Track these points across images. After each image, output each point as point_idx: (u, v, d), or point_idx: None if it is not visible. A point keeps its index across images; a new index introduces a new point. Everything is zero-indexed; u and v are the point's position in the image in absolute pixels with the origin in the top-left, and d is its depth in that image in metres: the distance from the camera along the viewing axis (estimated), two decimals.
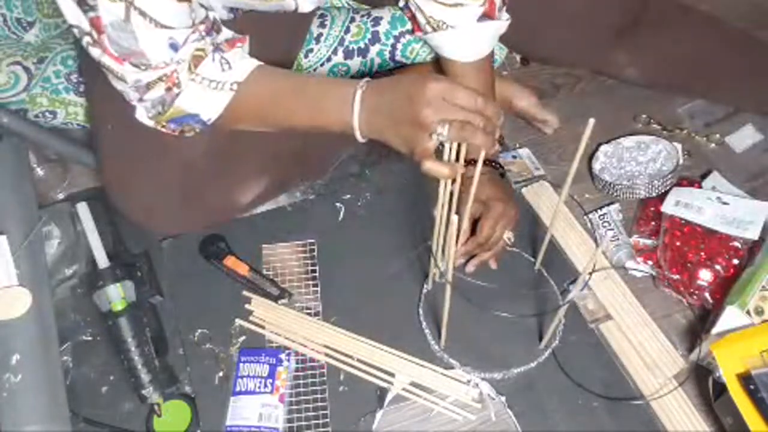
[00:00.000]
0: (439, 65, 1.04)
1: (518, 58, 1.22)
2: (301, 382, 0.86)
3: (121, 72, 0.73)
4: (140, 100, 0.76)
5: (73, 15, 0.69)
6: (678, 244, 0.94)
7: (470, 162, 0.83)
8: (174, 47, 0.71)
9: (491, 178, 0.92)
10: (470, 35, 0.89)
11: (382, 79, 0.74)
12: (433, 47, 0.95)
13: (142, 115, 0.79)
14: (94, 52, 0.72)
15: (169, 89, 0.75)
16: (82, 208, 0.92)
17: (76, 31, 0.71)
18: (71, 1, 0.67)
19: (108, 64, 0.72)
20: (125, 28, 0.68)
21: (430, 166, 0.67)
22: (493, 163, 0.94)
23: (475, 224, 0.91)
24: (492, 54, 0.94)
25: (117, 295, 0.85)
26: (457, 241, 0.85)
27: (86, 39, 0.71)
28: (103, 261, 0.88)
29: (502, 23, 0.90)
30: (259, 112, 0.80)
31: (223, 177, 0.93)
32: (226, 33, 0.80)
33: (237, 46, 0.79)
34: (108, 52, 0.71)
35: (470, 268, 0.93)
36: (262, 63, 0.79)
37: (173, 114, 0.78)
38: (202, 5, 0.76)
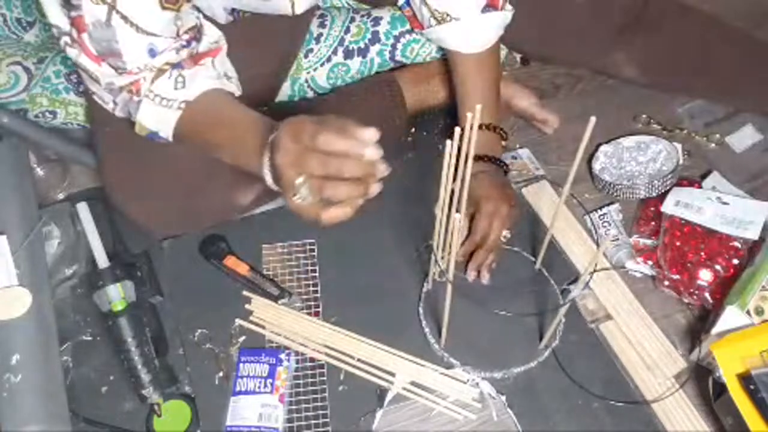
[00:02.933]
0: (440, 64, 1.04)
1: (518, 58, 1.22)
2: (301, 382, 0.86)
3: (97, 73, 0.73)
4: (114, 103, 0.76)
5: (54, 13, 0.69)
6: (678, 244, 0.94)
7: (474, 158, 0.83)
8: (153, 53, 0.71)
9: (490, 176, 0.92)
10: (474, 26, 0.89)
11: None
12: (436, 41, 0.95)
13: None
14: (72, 52, 0.72)
15: (130, 94, 0.75)
16: (82, 208, 0.92)
17: (55, 30, 0.71)
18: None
19: (85, 64, 0.72)
20: (106, 30, 0.68)
21: (325, 218, 0.63)
22: (494, 160, 0.93)
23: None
24: (498, 51, 0.94)
25: (117, 295, 0.84)
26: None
27: (65, 39, 0.71)
28: (103, 261, 0.88)
29: (506, 14, 0.90)
30: (195, 137, 0.79)
31: (223, 177, 0.93)
32: (205, 43, 0.79)
33: (200, 63, 0.78)
34: (87, 51, 0.71)
35: (471, 275, 0.91)
36: (216, 87, 0.78)
37: (141, 130, 0.78)
38: (197, 8, 0.76)
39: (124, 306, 0.84)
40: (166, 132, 0.79)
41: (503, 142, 0.97)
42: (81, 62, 0.72)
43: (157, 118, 0.77)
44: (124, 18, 0.67)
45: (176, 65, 0.76)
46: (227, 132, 0.76)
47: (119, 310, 0.83)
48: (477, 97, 0.92)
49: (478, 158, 0.90)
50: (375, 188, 0.62)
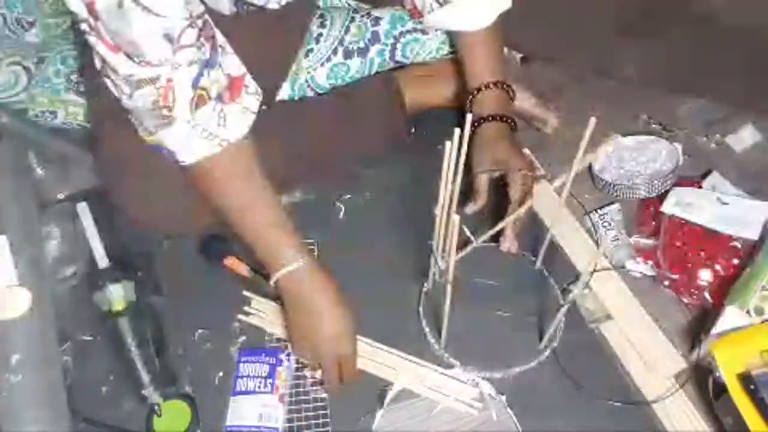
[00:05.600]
0: (440, 64, 1.04)
1: (518, 58, 1.22)
2: (301, 381, 0.86)
3: (114, 62, 0.72)
4: (130, 97, 0.76)
5: (72, 1, 0.69)
6: (678, 244, 0.94)
7: (492, 118, 0.89)
8: (169, 39, 0.71)
9: (509, 137, 0.91)
10: (475, 4, 0.90)
11: (310, 283, 0.80)
12: (439, 24, 0.96)
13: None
14: (91, 39, 0.72)
15: (155, 104, 0.74)
16: (82, 208, 0.92)
17: (74, 17, 0.71)
18: None
19: (103, 53, 0.72)
20: (120, 15, 0.68)
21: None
22: (505, 119, 0.93)
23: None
24: (499, 30, 0.95)
25: (117, 295, 0.84)
26: (458, 244, 0.85)
27: (83, 26, 0.71)
28: (103, 261, 0.88)
29: None
30: (211, 191, 0.81)
31: None
32: (230, 63, 0.80)
33: (236, 101, 0.79)
34: (104, 40, 0.70)
35: (515, 246, 0.86)
36: (247, 134, 0.80)
37: (153, 141, 0.78)
38: (204, 2, 0.76)
39: (124, 306, 0.84)
40: (186, 157, 0.79)
41: (511, 101, 0.97)
42: (99, 51, 0.72)
43: (186, 143, 0.77)
44: (135, 0, 0.67)
45: (217, 98, 0.76)
46: (251, 221, 0.81)
47: (119, 310, 0.83)
48: (484, 59, 0.94)
49: (491, 118, 0.90)
50: None
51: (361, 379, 0.83)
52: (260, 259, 0.82)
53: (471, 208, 0.87)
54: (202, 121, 0.76)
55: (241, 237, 0.82)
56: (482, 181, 0.88)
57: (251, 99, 0.82)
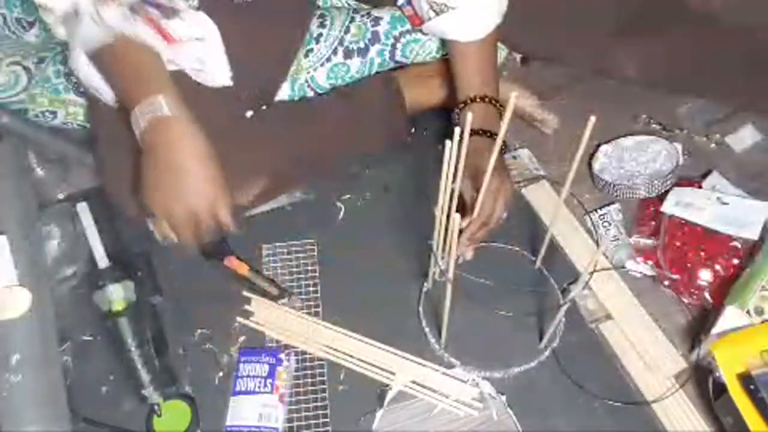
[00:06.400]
0: (440, 64, 1.04)
1: (518, 58, 1.22)
2: (301, 381, 0.86)
3: (52, 3, 0.75)
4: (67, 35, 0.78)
5: None
6: (678, 244, 0.94)
7: (477, 132, 0.86)
8: None
9: (491, 148, 0.91)
10: (472, 14, 0.89)
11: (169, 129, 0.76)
12: (436, 32, 0.95)
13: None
14: None
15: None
16: (82, 208, 0.92)
17: None
18: None
19: None
20: None
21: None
22: (492, 135, 0.93)
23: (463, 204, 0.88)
24: (495, 40, 0.94)
25: (117, 295, 0.84)
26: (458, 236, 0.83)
27: None
28: (103, 261, 0.88)
29: (502, 1, 0.91)
30: (116, 67, 0.81)
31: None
32: (180, 23, 0.81)
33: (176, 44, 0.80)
34: None
35: (470, 254, 0.89)
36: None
37: (74, 65, 0.81)
38: None
39: (124, 306, 0.84)
40: (89, 46, 0.79)
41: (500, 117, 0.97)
42: None
43: (85, 33, 0.78)
44: None
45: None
46: (131, 69, 0.79)
47: (119, 310, 0.83)
48: (475, 71, 0.93)
49: (476, 133, 0.90)
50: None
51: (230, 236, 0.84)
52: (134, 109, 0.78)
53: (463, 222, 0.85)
54: (108, 16, 0.77)
55: (124, 100, 0.80)
56: (469, 195, 0.87)
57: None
